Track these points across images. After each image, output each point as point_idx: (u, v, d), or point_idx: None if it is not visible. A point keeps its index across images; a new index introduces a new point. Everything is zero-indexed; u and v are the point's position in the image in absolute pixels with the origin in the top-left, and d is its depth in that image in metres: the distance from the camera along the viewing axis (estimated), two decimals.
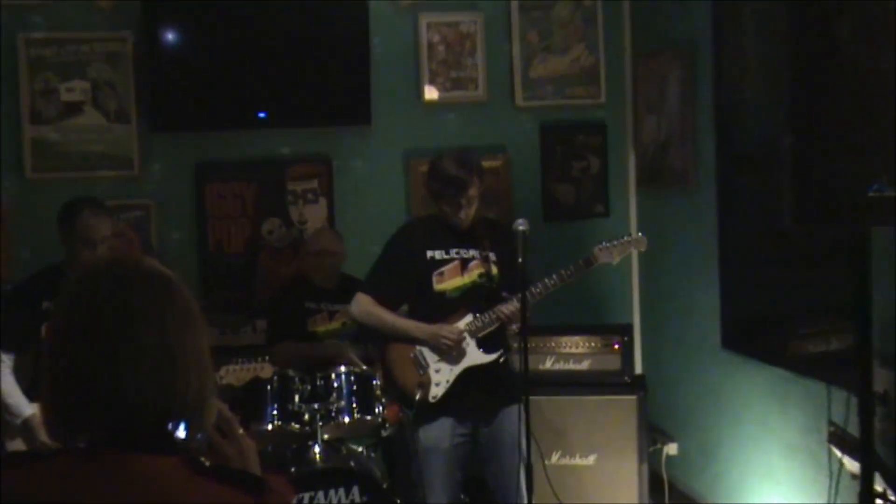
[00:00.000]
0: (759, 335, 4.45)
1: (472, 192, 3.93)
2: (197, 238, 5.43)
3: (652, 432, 5.08)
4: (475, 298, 3.98)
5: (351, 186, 5.55)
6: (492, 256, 4.00)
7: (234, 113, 5.29)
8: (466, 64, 5.59)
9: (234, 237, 5.44)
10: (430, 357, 3.99)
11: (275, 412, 4.28)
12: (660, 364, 5.50)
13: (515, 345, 4.00)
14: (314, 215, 5.48)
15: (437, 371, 3.97)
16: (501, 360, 3.95)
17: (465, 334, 3.96)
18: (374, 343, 5.03)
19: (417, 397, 3.92)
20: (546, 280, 3.93)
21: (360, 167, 5.56)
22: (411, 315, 4.10)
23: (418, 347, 4.00)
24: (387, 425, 4.38)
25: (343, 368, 4.39)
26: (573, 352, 4.96)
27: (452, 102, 5.60)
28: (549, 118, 5.69)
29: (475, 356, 3.96)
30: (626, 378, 4.89)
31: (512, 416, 3.98)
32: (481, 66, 5.59)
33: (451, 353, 3.96)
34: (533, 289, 3.88)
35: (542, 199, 5.70)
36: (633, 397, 4.80)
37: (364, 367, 4.48)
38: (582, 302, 5.61)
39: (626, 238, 4.03)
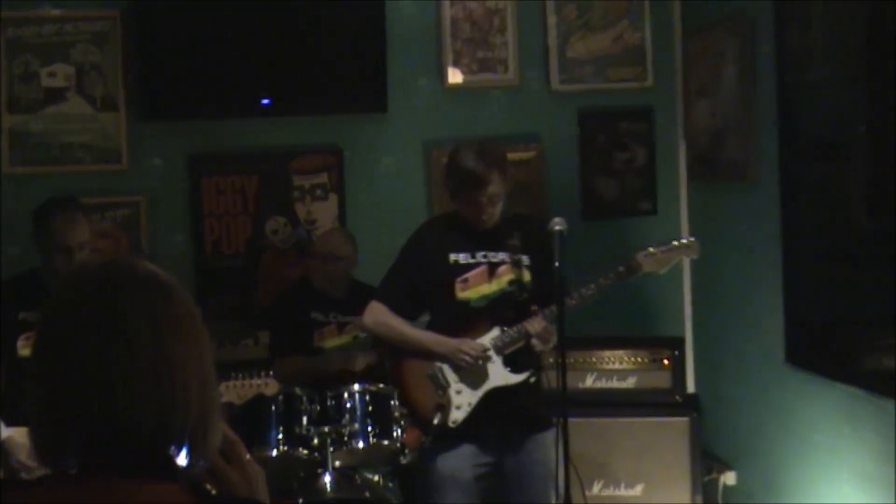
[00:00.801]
0: (829, 348, 4.42)
1: (494, 188, 3.89)
2: (192, 238, 5.45)
3: (706, 459, 5.06)
4: (503, 309, 3.97)
5: (365, 181, 5.57)
6: (524, 260, 3.98)
7: (234, 99, 5.31)
8: (495, 43, 5.59)
9: (234, 237, 5.47)
10: (451, 376, 3.97)
11: (280, 436, 4.30)
12: (715, 382, 5.48)
13: (550, 360, 3.99)
14: (323, 213, 5.50)
15: (459, 392, 3.95)
16: (531, 380, 3.92)
17: (490, 351, 3.94)
18: (389, 358, 5.04)
19: (435, 421, 3.91)
20: (582, 290, 3.90)
21: (375, 159, 5.58)
22: (431, 326, 4.09)
23: (437, 364, 3.98)
24: (406, 452, 4.36)
25: (357, 387, 4.39)
26: (616, 368, 4.95)
27: (479, 86, 5.60)
28: (589, 103, 5.69)
29: (501, 376, 3.94)
30: (676, 397, 4.88)
31: (543, 443, 3.97)
32: (512, 46, 5.59)
33: (473, 371, 3.93)
34: (567, 300, 3.85)
35: (580, 195, 5.69)
36: (686, 419, 4.78)
37: (380, 385, 4.49)
38: (626, 311, 5.59)
39: (674, 243, 3.99)
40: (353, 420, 4.30)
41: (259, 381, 4.20)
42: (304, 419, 4.32)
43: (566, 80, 5.65)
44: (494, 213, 3.94)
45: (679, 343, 5.08)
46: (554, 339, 3.88)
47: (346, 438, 4.28)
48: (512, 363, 3.94)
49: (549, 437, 3.99)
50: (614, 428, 4.81)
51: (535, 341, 3.89)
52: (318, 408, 4.35)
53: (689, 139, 5.64)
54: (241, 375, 4.17)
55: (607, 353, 4.94)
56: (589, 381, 4.95)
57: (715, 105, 5.28)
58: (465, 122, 5.58)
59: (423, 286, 4.03)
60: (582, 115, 5.69)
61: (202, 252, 5.44)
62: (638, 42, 5.69)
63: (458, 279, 3.99)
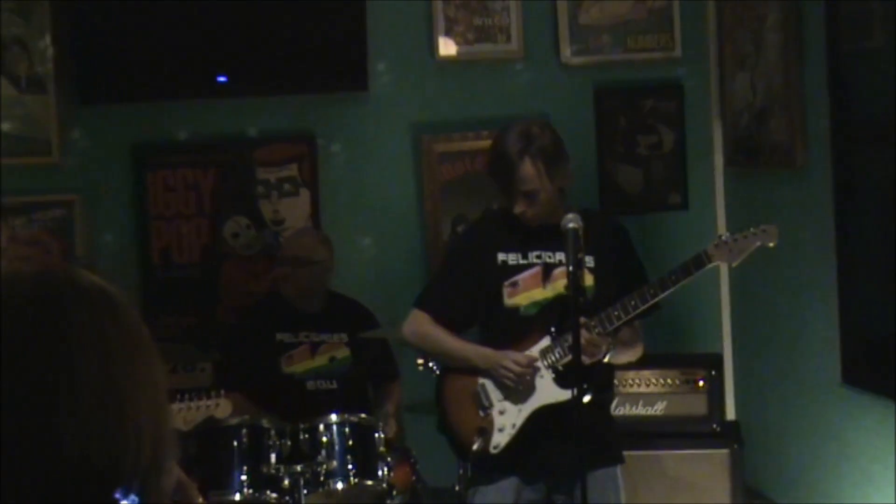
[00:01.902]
0: (892, 366, 4.44)
1: (524, 177, 3.86)
2: (136, 244, 5.45)
3: (750, 497, 5.07)
4: (558, 318, 3.96)
5: (342, 173, 5.57)
6: (587, 261, 3.97)
7: (185, 77, 5.32)
8: (494, 8, 5.60)
9: (187, 243, 5.47)
10: (495, 394, 3.99)
11: (244, 477, 4.29)
12: (759, 406, 5.49)
13: (616, 384, 3.97)
14: (293, 212, 5.50)
15: (502, 412, 3.97)
16: (586, 398, 3.92)
17: (540, 363, 3.96)
18: (380, 384, 5.05)
19: (475, 447, 3.90)
20: (644, 289, 3.87)
21: (354, 147, 5.58)
22: (480, 338, 4.12)
23: (481, 380, 4.00)
24: (394, 493, 4.38)
25: (334, 417, 4.40)
26: (643, 391, 4.96)
27: (476, 59, 5.61)
28: (607, 78, 5.70)
29: (549, 392, 3.94)
30: (714, 426, 4.88)
31: (606, 483, 3.97)
32: (515, 11, 5.60)
33: (520, 389, 3.96)
34: (614, 310, 3.85)
35: (598, 187, 5.70)
36: (725, 451, 4.79)
37: (362, 416, 4.49)
38: (652, 324, 5.60)
39: (752, 230, 4.00)
40: (330, 457, 4.30)
41: (209, 402, 4.20)
42: (273, 456, 4.31)
43: (580, 52, 5.65)
44: (534, 206, 3.91)
45: (716, 361, 5.08)
46: (602, 352, 3.90)
47: (322, 479, 4.27)
48: (564, 378, 3.93)
49: (612, 475, 4.01)
50: (641, 461, 4.80)
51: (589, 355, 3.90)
52: (290, 442, 4.34)
53: (726, 120, 5.64)
54: (187, 397, 4.18)
55: (631, 375, 4.94)
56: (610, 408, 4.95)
57: (755, 79, 5.29)
58: (460, 102, 5.59)
59: (472, 291, 4.06)
60: (599, 93, 5.70)
61: (149, 261, 5.44)
62: (664, 5, 5.70)
63: (507, 282, 4.00)
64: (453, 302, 4.06)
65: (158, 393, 1.55)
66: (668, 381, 4.92)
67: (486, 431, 3.93)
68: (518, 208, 3.91)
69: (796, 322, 5.10)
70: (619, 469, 4.03)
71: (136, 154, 5.45)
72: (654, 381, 4.94)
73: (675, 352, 5.46)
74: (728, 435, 4.92)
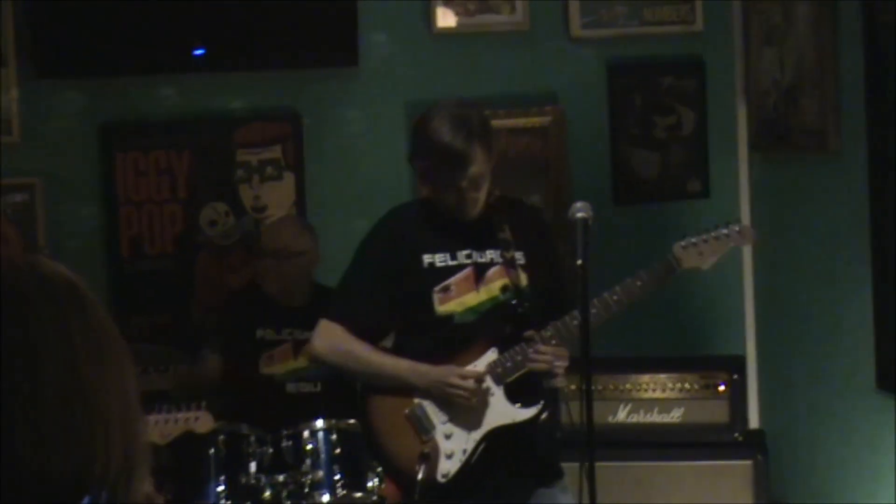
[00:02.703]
0: None
1: (477, 168, 3.87)
2: (104, 233, 5.44)
3: None
4: (498, 324, 3.96)
5: (330, 156, 5.57)
6: (518, 258, 3.98)
7: (159, 50, 5.30)
8: None
9: (160, 232, 5.46)
10: (437, 415, 3.96)
11: (221, 487, 4.32)
12: (787, 413, 5.49)
13: (572, 387, 3.97)
14: (276, 198, 5.50)
15: (448, 436, 3.94)
16: (542, 416, 3.94)
17: (488, 381, 3.94)
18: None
19: (420, 476, 3.85)
20: (606, 297, 3.90)
21: (343, 128, 5.58)
22: (401, 350, 4.08)
23: (417, 400, 3.98)
24: None
25: (320, 423, 4.41)
26: (658, 396, 4.96)
27: (478, 32, 5.60)
28: (621, 53, 5.70)
29: (505, 412, 3.93)
30: (736, 434, 4.89)
31: (556, 499, 3.98)
32: None
33: (466, 409, 3.93)
34: (569, 322, 3.85)
35: (611, 172, 5.70)
36: (748, 462, 4.80)
37: (350, 422, 4.48)
38: (668, 323, 5.61)
39: (721, 230, 4.00)
40: (315, 467, 4.31)
41: (189, 415, 4.20)
42: (253, 466, 4.34)
43: (591, 24, 5.65)
44: (479, 198, 3.93)
45: (738, 364, 5.07)
46: (564, 363, 3.90)
47: (307, 490, 4.29)
48: (518, 394, 3.94)
49: (564, 486, 4.01)
50: (655, 474, 4.82)
51: (547, 374, 3.90)
52: (271, 451, 4.37)
53: (751, 99, 5.64)
54: (164, 408, 4.18)
55: (645, 379, 4.95)
56: (622, 415, 4.96)
57: (784, 55, 5.29)
58: (460, 78, 5.57)
59: (390, 296, 4.01)
60: (612, 69, 5.69)
61: (117, 252, 5.43)
62: None
63: (436, 288, 3.97)
64: (370, 311, 4.01)
65: (129, 394, 1.56)
66: (686, 385, 4.93)
67: (428, 458, 3.87)
68: (466, 203, 3.90)
69: (827, 321, 5.11)
70: (565, 481, 4.00)
71: (104, 134, 5.43)
72: (670, 385, 4.94)
73: (693, 353, 5.47)
74: (751, 445, 4.92)
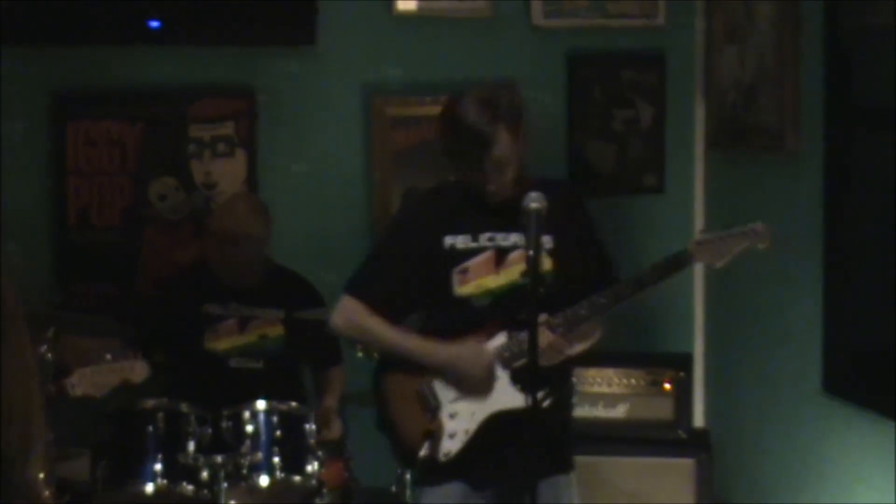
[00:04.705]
0: (878, 375, 4.44)
1: (501, 150, 3.86)
2: (52, 204, 5.43)
3: None
4: (515, 309, 3.91)
5: (284, 134, 5.55)
6: (545, 242, 3.94)
7: (113, 20, 5.27)
8: None
9: (108, 204, 5.45)
10: (444, 394, 3.97)
11: (158, 466, 4.29)
12: (731, 413, 5.50)
13: (574, 381, 3.98)
14: (227, 175, 5.49)
15: (453, 416, 3.95)
16: (545, 403, 3.89)
17: (496, 362, 3.94)
18: (320, 369, 5.02)
19: (422, 453, 3.91)
20: (618, 288, 3.89)
21: (298, 106, 5.55)
22: (424, 329, 4.08)
23: (428, 378, 3.98)
24: (324, 491, 4.38)
25: (262, 405, 4.39)
26: (603, 391, 4.97)
27: (438, 16, 5.58)
28: (582, 44, 5.69)
29: (507, 397, 3.92)
30: (680, 432, 4.90)
31: (560, 492, 3.99)
32: None
33: (475, 389, 3.94)
34: (578, 311, 3.86)
35: (567, 164, 5.70)
36: (691, 461, 4.81)
37: (293, 404, 4.49)
38: (617, 319, 5.55)
39: (740, 228, 3.99)
40: (255, 448, 4.30)
41: (124, 365, 4.18)
42: (192, 445, 4.31)
43: (553, 13, 5.64)
44: (504, 181, 3.91)
45: (685, 361, 5.09)
46: (564, 356, 3.92)
47: (245, 472, 4.27)
48: (522, 380, 3.90)
49: (566, 482, 4.04)
50: (598, 469, 4.82)
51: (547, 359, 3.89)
52: (211, 431, 4.35)
53: (711, 96, 5.64)
54: (97, 358, 4.16)
55: (591, 373, 4.95)
56: None
57: (745, 53, 5.29)
58: (419, 62, 5.57)
59: (412, 277, 4.02)
60: (572, 60, 5.69)
61: (64, 223, 5.42)
62: None
63: (456, 269, 3.97)
64: (392, 290, 4.02)
65: (28, 376, 1.53)
66: (632, 381, 4.94)
67: (434, 436, 3.92)
68: (491, 185, 3.89)
69: (776, 322, 5.12)
70: (572, 476, 4.04)
71: (56, 102, 5.42)
72: (615, 380, 4.96)
73: (640, 349, 5.48)
74: (696, 443, 4.95)
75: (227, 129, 5.49)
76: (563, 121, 5.70)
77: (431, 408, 3.96)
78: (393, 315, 4.02)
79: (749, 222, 4.05)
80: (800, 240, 4.88)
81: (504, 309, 3.95)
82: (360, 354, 4.56)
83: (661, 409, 4.92)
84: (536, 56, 5.68)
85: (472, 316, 3.97)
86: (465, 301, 3.98)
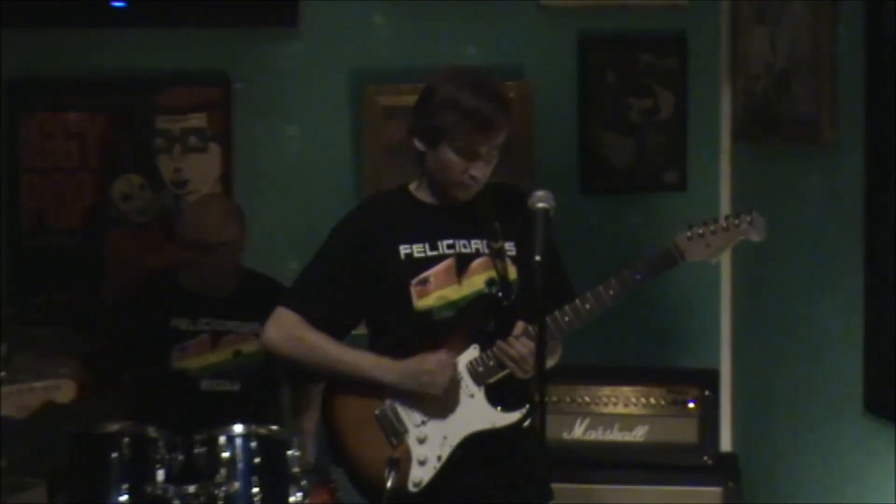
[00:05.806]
0: None
1: (498, 138, 3.88)
2: (3, 203, 5.42)
3: None
4: (480, 321, 3.94)
5: (262, 126, 5.56)
6: (508, 248, 3.97)
7: (71, 0, 5.29)
8: None
9: (67, 204, 5.47)
10: (410, 417, 3.95)
11: (124, 497, 4.28)
12: (763, 436, 5.49)
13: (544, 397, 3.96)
14: (199, 172, 5.51)
15: (422, 441, 3.93)
16: (526, 423, 3.91)
17: (465, 375, 3.92)
18: (301, 386, 5.02)
19: (389, 484, 3.86)
20: (588, 298, 3.88)
21: (280, 95, 5.56)
22: (373, 347, 4.06)
23: (388, 401, 3.96)
24: None
25: (238, 428, 4.38)
26: (620, 412, 4.97)
27: None
28: (594, 26, 5.70)
29: (485, 416, 3.91)
30: (705, 457, 4.89)
31: None
32: None
33: (442, 410, 3.92)
34: (564, 315, 3.85)
35: (578, 158, 5.71)
36: (718, 489, 4.81)
37: (273, 428, 4.49)
38: (634, 331, 5.61)
39: (732, 220, 3.98)
40: (232, 477, 4.29)
41: (48, 384, 4.16)
42: (161, 474, 4.31)
43: None
44: (487, 173, 3.92)
45: (711, 379, 5.08)
46: (531, 365, 3.85)
47: (221, 503, 4.26)
48: (501, 397, 3.91)
49: None
50: (613, 498, 4.82)
51: (511, 365, 3.89)
52: (182, 457, 4.33)
53: (738, 83, 5.64)
54: (21, 378, 4.15)
55: (606, 391, 4.94)
56: (578, 431, 4.96)
57: (777, 34, 5.28)
58: (414, 46, 5.58)
59: (359, 289, 3.99)
60: (584, 43, 5.69)
61: (17, 224, 5.43)
62: None
63: (414, 281, 3.95)
64: (330, 302, 4.00)
65: None
66: (652, 400, 4.93)
67: (399, 464, 3.88)
68: (475, 173, 3.87)
69: (812, 334, 5.11)
70: None
71: (9, 91, 5.44)
72: (633, 399, 4.95)
73: (660, 365, 5.50)
74: (722, 469, 4.95)
75: (200, 120, 5.50)
76: (573, 111, 5.71)
77: (396, 433, 3.93)
78: (334, 331, 4.00)
79: (740, 213, 4.03)
80: (838, 242, 4.87)
81: (470, 322, 3.94)
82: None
83: (685, 432, 4.91)
84: (544, 39, 5.69)
85: (432, 331, 3.94)
86: (425, 315, 3.96)
